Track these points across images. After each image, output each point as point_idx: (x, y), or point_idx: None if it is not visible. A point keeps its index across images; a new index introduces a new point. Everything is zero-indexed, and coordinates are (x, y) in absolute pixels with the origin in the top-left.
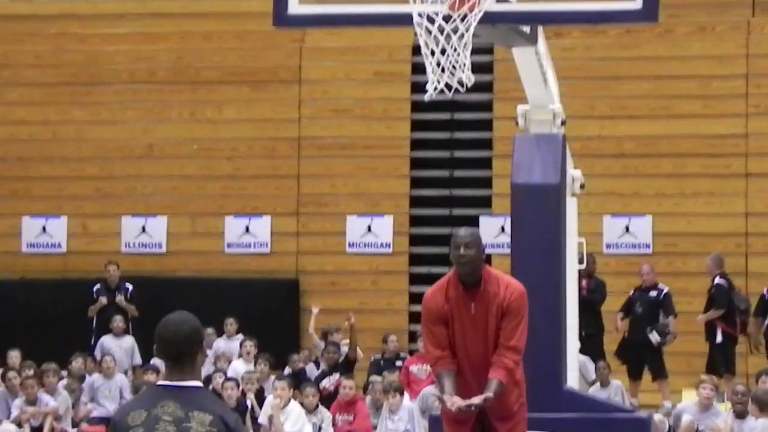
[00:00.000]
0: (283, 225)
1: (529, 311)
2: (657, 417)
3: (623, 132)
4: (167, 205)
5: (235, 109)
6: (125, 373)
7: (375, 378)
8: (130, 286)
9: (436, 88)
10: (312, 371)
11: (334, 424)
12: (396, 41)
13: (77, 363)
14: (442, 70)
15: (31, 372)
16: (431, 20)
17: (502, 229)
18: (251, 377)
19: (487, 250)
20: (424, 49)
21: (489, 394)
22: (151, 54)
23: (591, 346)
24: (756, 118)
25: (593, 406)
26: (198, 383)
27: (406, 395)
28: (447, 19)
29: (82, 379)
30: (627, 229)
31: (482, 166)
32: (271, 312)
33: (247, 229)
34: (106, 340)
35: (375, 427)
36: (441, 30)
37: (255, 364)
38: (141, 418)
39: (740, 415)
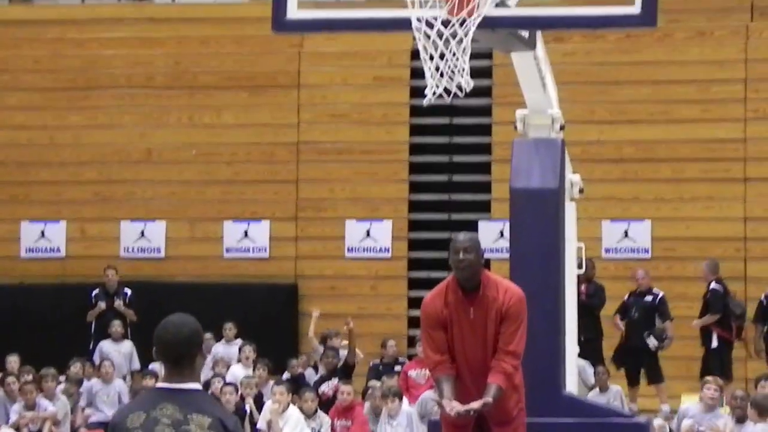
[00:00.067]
0: (282, 230)
1: (528, 316)
2: (657, 422)
3: (622, 137)
4: (166, 210)
5: (234, 114)
6: (124, 378)
7: (374, 383)
8: (128, 291)
9: (435, 93)
10: (311, 376)
11: (332, 429)
12: (395, 46)
13: (75, 368)
14: (441, 75)
15: (29, 377)
16: (430, 25)
17: (501, 233)
18: (250, 382)
19: (486, 255)
20: (422, 54)
21: (488, 398)
22: (149, 59)
23: (590, 350)
24: (755, 122)
25: (592, 411)
26: (197, 386)
27: (405, 400)
28: (446, 23)
29: (80, 383)
30: (626, 233)
31: (481, 170)
32: (269, 317)
33: (246, 234)
34: (105, 345)
35: None
36: (440, 35)
37: (254, 369)
38: (140, 420)
39: (740, 419)
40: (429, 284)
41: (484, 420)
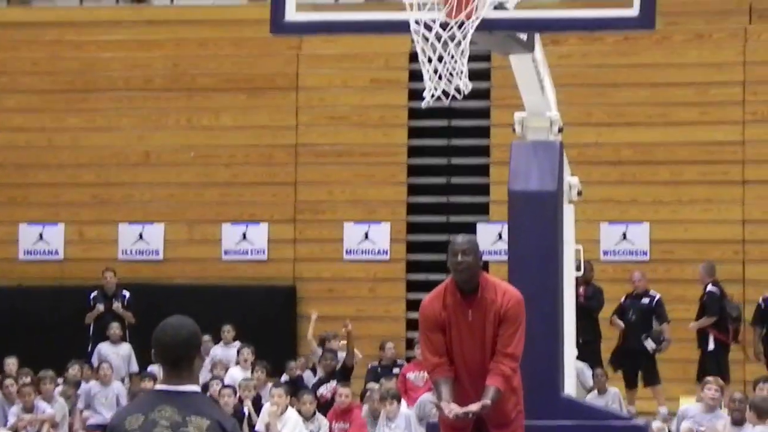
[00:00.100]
0: (280, 232)
1: (527, 318)
2: (656, 424)
3: (620, 139)
4: (164, 212)
5: (232, 116)
6: (122, 380)
7: (372, 385)
8: (127, 293)
9: (433, 95)
10: (309, 378)
11: None
12: (393, 48)
13: (74, 370)
14: (440, 78)
15: (28, 379)
16: (428, 27)
17: (500, 236)
18: (248, 384)
19: (485, 257)
20: (421, 57)
21: (486, 401)
22: (147, 61)
23: (588, 353)
24: (753, 125)
25: (590, 414)
26: (196, 388)
27: (404, 402)
28: (444, 26)
29: (78, 386)
30: (624, 236)
31: (479, 173)
32: (268, 319)
33: (244, 236)
34: (103, 347)
35: None
36: (438, 37)
37: (252, 371)
38: (138, 422)
39: (738, 422)
40: (427, 287)
41: (483, 422)
